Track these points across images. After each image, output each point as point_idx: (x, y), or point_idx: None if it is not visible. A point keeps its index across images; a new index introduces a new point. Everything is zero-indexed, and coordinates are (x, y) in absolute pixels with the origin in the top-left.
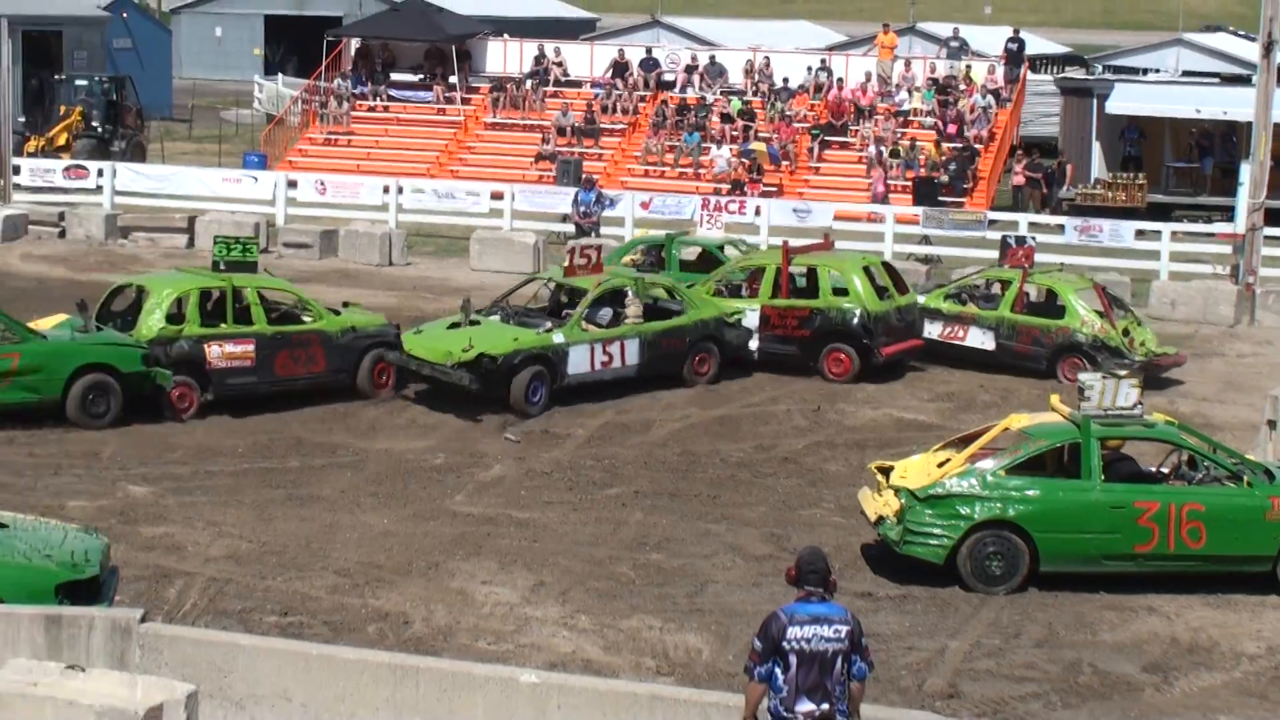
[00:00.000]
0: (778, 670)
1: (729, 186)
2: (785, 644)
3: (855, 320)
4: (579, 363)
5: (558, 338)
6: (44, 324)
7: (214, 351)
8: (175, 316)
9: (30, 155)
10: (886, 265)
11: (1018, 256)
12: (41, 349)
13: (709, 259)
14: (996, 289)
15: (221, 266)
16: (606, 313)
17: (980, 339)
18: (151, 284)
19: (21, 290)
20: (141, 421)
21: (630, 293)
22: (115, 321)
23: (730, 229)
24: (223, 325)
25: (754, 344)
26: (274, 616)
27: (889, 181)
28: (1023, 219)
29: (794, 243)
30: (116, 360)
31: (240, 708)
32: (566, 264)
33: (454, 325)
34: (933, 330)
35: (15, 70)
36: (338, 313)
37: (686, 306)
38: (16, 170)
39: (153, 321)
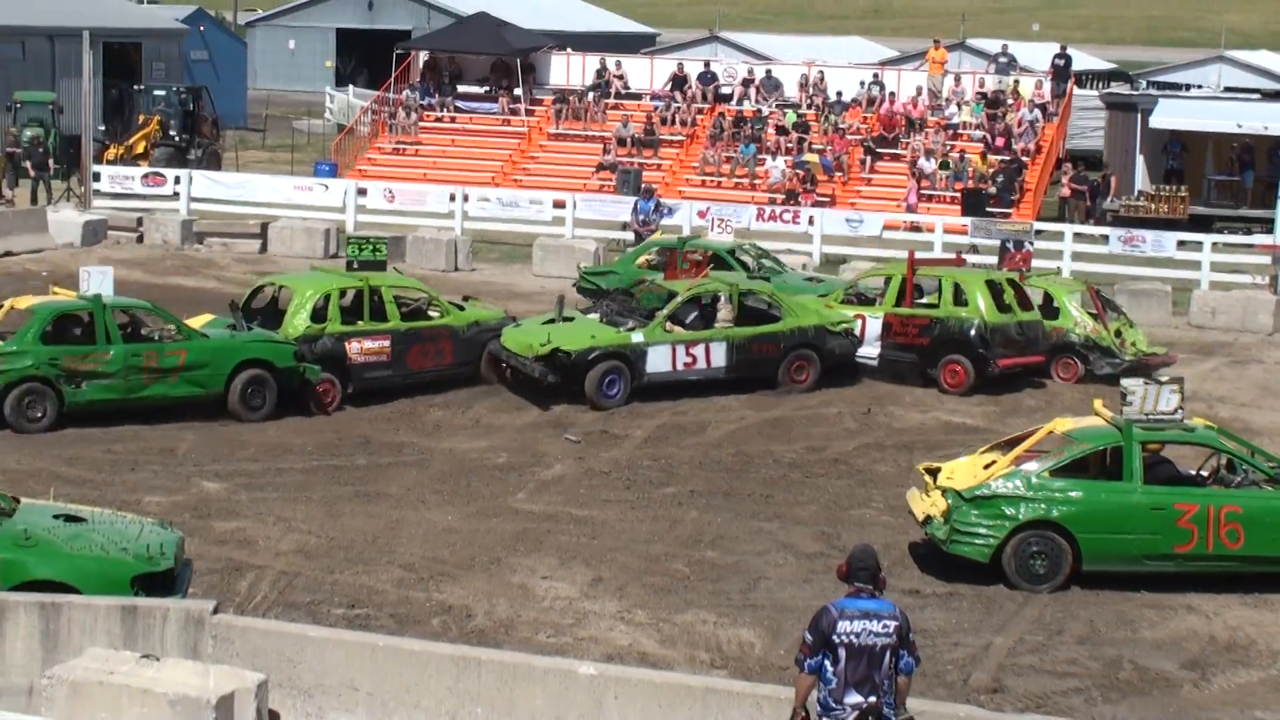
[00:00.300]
0: (827, 663)
1: (783, 196)
2: (835, 637)
3: (972, 331)
4: (659, 362)
5: (636, 337)
6: (193, 323)
7: (354, 347)
8: (318, 314)
9: (110, 163)
10: (1012, 282)
11: (1015, 260)
12: (206, 346)
13: (719, 262)
14: None
15: (355, 266)
16: (695, 315)
17: None
18: (295, 284)
19: None
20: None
21: (723, 297)
22: (256, 319)
23: (784, 238)
24: (360, 322)
25: (875, 350)
26: (341, 609)
27: (936, 192)
28: (1068, 229)
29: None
30: (273, 356)
31: (309, 697)
32: (667, 269)
33: (550, 321)
34: None
35: (96, 81)
36: (461, 308)
37: (784, 313)
38: (97, 177)
39: (299, 320)
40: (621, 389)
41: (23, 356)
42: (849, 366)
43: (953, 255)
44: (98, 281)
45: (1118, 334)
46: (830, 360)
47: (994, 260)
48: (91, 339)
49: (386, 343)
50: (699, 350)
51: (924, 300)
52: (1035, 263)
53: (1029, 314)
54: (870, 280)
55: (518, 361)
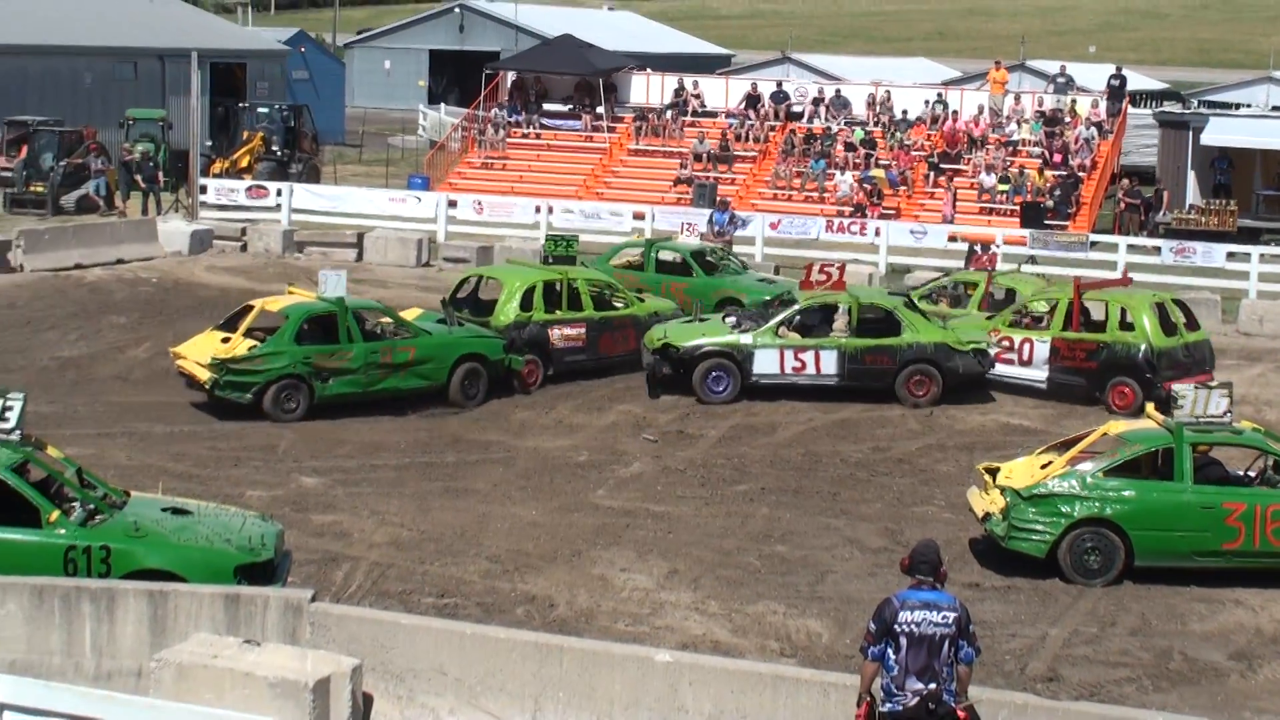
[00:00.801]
0: (890, 651)
1: (851, 209)
2: (896, 627)
3: (1139, 355)
4: (767, 364)
5: (745, 339)
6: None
7: (555, 334)
8: (525, 303)
9: (216, 176)
10: (1179, 302)
11: (981, 261)
12: (431, 342)
13: (687, 265)
14: (961, 291)
15: (550, 260)
16: (818, 324)
17: None
18: (504, 276)
19: (206, 299)
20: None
21: (841, 308)
22: (462, 308)
23: (851, 248)
24: (559, 311)
25: (1043, 374)
26: (431, 598)
27: (996, 206)
28: (1123, 241)
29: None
30: (486, 350)
31: (400, 680)
32: (803, 279)
33: (688, 321)
34: None
35: (203, 99)
36: (642, 300)
37: (904, 329)
38: (203, 190)
39: (510, 309)
40: (729, 386)
41: (280, 357)
42: (978, 383)
43: (1119, 275)
44: (334, 284)
45: None
46: (954, 378)
47: (1052, 271)
48: (335, 338)
49: (583, 330)
50: (808, 356)
51: (1091, 323)
52: (1090, 273)
53: (1195, 334)
54: (1038, 303)
55: (648, 353)
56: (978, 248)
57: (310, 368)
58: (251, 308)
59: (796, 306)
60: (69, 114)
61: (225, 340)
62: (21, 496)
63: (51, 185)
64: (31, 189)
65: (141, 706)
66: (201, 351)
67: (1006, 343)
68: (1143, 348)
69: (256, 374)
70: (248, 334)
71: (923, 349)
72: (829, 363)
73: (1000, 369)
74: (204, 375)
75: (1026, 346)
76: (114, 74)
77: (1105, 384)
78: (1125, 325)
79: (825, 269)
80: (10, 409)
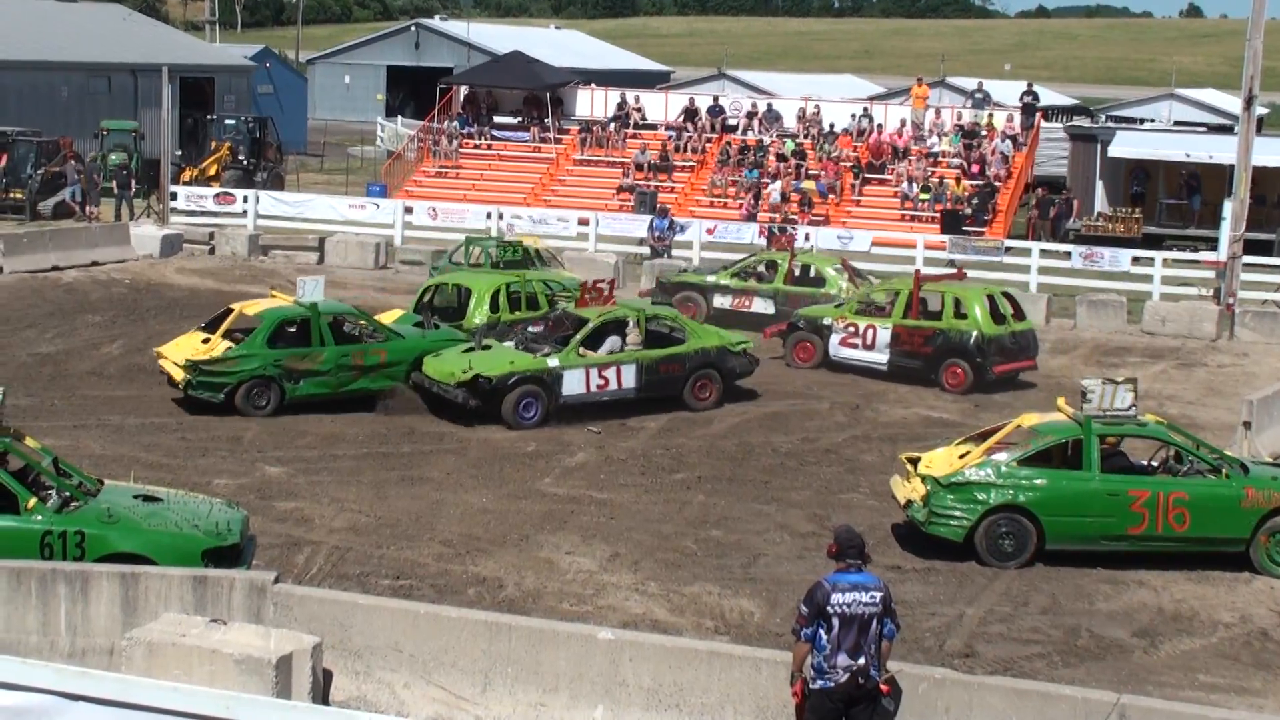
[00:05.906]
0: (821, 631)
1: (782, 216)
2: (830, 608)
3: (970, 342)
4: (574, 384)
5: (552, 362)
6: (383, 319)
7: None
8: (493, 306)
9: (185, 184)
10: (1007, 295)
11: (781, 241)
12: (403, 345)
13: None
14: (763, 269)
15: (501, 265)
16: (614, 340)
17: (762, 305)
18: (472, 282)
19: (176, 299)
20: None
21: (631, 322)
22: (434, 314)
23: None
24: (517, 312)
25: (885, 357)
26: (388, 580)
27: (918, 213)
28: (1035, 246)
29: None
30: None
31: (358, 657)
32: (579, 297)
33: (470, 349)
34: (723, 301)
35: (174, 111)
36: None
37: (688, 335)
38: (174, 197)
39: (481, 311)
40: (538, 411)
41: (251, 359)
42: (876, 370)
43: (954, 270)
44: (311, 289)
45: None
46: (731, 379)
47: (974, 274)
48: (308, 341)
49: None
50: (610, 373)
51: (929, 312)
52: (1000, 276)
53: (1022, 324)
54: (879, 293)
55: (440, 388)
56: (775, 229)
57: (281, 369)
58: (232, 310)
59: (590, 324)
60: (46, 125)
61: (205, 341)
62: (0, 485)
63: (29, 192)
64: (10, 195)
65: (113, 682)
66: (182, 352)
67: (852, 328)
68: (974, 335)
69: (228, 375)
70: (227, 335)
71: (707, 354)
72: (629, 376)
73: (846, 352)
74: (179, 375)
75: (870, 332)
76: (89, 87)
77: (940, 366)
78: (959, 314)
79: (596, 286)
80: None
